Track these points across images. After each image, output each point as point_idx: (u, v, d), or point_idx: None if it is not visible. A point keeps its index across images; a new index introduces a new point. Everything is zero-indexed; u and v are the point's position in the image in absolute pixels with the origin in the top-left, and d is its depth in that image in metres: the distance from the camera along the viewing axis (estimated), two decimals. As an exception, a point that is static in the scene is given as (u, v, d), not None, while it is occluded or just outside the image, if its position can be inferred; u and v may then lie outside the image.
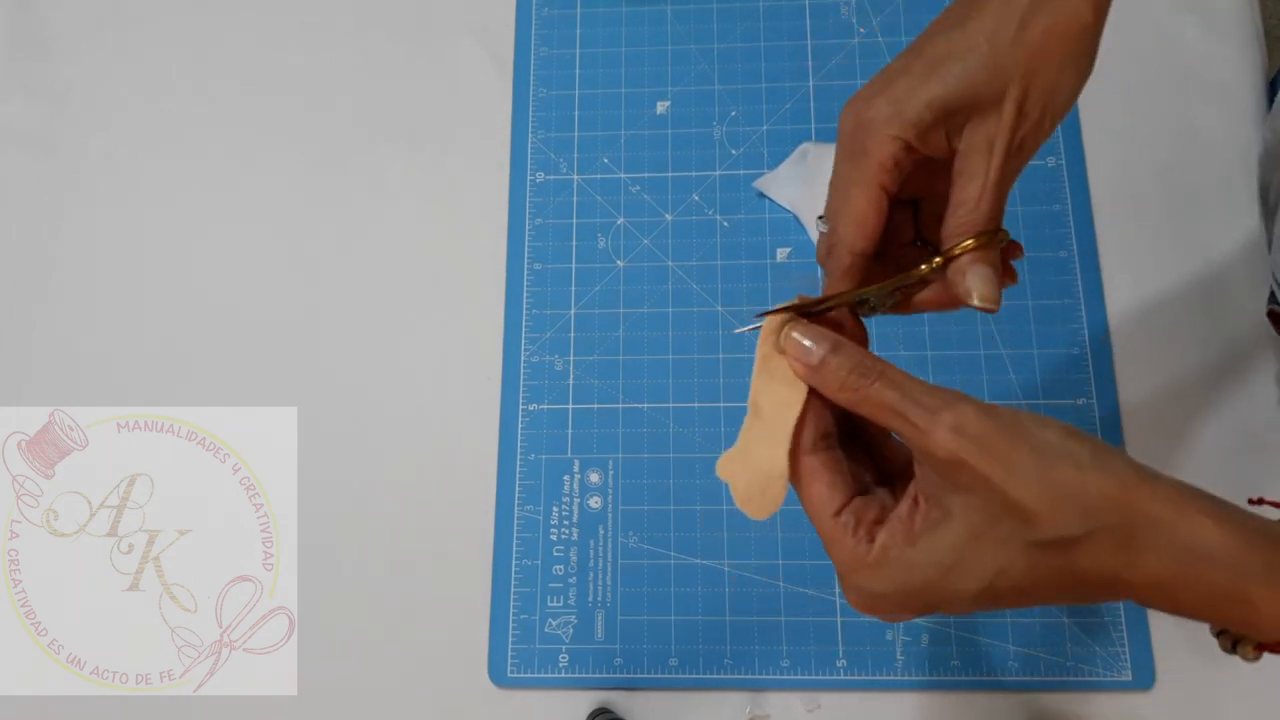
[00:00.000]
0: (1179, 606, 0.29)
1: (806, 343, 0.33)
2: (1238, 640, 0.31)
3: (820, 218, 0.35)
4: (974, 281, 0.33)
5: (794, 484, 0.33)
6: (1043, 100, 0.32)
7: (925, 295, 0.35)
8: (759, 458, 0.33)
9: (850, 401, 0.32)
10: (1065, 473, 0.28)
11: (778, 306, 0.34)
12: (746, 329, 0.35)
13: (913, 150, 0.33)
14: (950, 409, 0.29)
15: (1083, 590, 0.30)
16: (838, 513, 0.32)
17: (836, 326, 0.34)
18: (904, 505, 0.31)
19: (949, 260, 0.33)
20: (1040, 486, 0.28)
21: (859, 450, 0.35)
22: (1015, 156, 0.33)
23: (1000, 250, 0.34)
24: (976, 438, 0.29)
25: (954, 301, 0.34)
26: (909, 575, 0.30)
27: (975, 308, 0.33)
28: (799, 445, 0.33)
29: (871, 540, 0.31)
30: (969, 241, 0.33)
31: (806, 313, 0.34)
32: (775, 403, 0.33)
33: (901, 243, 0.36)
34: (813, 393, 0.33)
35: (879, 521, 0.31)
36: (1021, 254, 0.36)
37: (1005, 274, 0.35)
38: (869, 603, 0.31)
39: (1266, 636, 0.30)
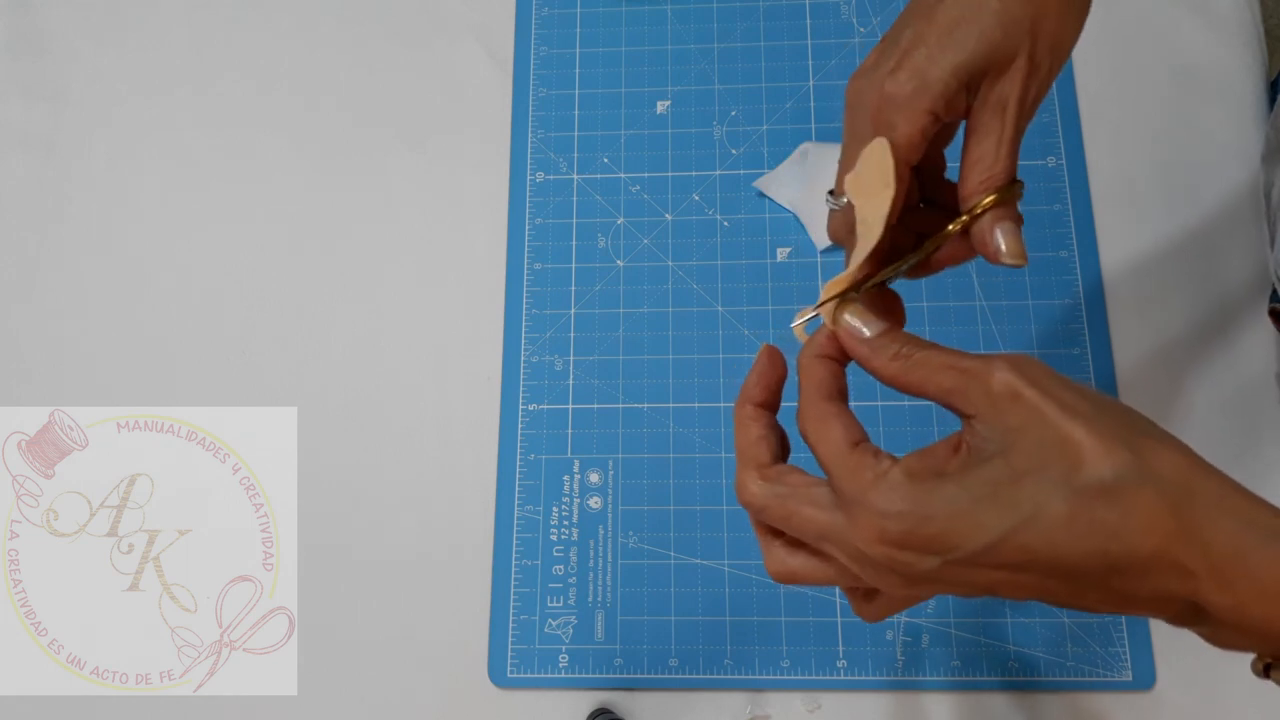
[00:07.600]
0: (1232, 601, 0.27)
1: (858, 323, 0.33)
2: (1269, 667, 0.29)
3: (830, 193, 0.35)
4: (1002, 238, 0.33)
5: (807, 430, 0.32)
6: (1050, 49, 0.33)
7: (942, 253, 0.35)
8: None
9: (902, 369, 0.31)
10: (1125, 418, 0.28)
11: (828, 297, 0.34)
12: (801, 321, 0.35)
13: (938, 120, 0.33)
14: (1006, 357, 0.29)
15: (1114, 564, 0.27)
16: (857, 444, 0.31)
17: (880, 306, 0.34)
18: (940, 444, 0.30)
19: (974, 219, 0.34)
20: (1094, 425, 0.27)
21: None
22: (1028, 109, 0.33)
23: None
24: (1035, 377, 0.28)
25: (970, 253, 0.35)
26: (928, 498, 0.28)
27: (1005, 264, 0.33)
28: (814, 393, 0.33)
29: (894, 464, 0.30)
30: (990, 198, 0.33)
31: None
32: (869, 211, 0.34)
33: (909, 206, 0.37)
34: (820, 357, 0.33)
35: (897, 462, 0.30)
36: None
37: None
38: (877, 527, 0.29)
39: None
